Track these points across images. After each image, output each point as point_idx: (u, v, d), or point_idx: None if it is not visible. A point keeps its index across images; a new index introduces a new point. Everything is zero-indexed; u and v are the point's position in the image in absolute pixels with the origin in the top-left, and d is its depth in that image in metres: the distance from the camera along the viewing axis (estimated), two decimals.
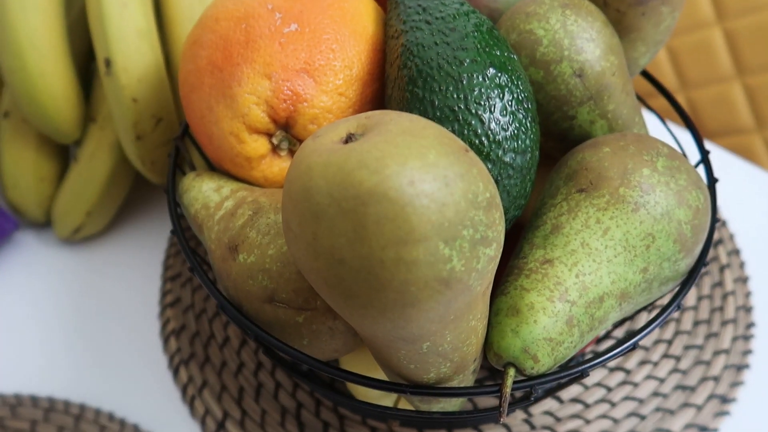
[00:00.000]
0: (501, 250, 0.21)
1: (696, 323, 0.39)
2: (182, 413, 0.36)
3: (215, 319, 0.39)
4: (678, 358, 0.37)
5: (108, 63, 0.36)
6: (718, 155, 0.49)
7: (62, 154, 0.43)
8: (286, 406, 0.35)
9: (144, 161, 0.39)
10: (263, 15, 0.29)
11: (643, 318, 0.39)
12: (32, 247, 0.43)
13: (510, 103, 0.25)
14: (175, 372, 0.37)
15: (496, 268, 0.21)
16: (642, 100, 0.37)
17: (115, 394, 0.37)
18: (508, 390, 0.23)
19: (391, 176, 0.18)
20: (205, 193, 0.30)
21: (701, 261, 0.28)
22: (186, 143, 0.41)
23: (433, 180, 0.19)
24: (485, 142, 0.25)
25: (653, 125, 0.51)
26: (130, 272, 0.42)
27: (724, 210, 0.45)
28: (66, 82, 0.39)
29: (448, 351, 0.22)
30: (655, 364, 0.37)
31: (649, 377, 0.36)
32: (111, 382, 0.37)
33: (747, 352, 0.37)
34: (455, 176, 0.19)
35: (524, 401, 0.27)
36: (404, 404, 0.32)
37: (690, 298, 0.40)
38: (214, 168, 0.37)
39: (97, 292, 0.41)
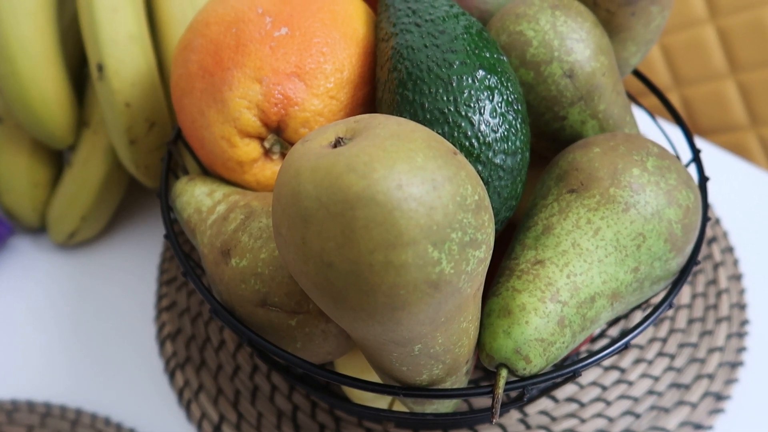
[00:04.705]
0: (491, 251, 0.21)
1: (690, 321, 0.39)
2: (178, 417, 0.36)
3: (211, 323, 0.39)
4: (673, 356, 0.37)
5: (100, 68, 0.36)
6: (712, 153, 0.49)
7: (56, 159, 0.43)
8: (282, 409, 0.36)
9: (138, 165, 0.39)
10: (253, 19, 0.29)
11: (637, 317, 0.39)
12: (27, 253, 0.43)
13: (500, 104, 0.25)
14: (171, 376, 0.37)
15: (486, 269, 0.21)
16: (633, 98, 0.37)
17: (112, 399, 0.37)
18: (500, 391, 0.23)
19: (379, 180, 0.18)
20: (197, 197, 0.30)
21: (693, 260, 0.28)
22: (179, 147, 0.41)
23: (421, 183, 0.19)
24: (475, 144, 0.25)
25: (645, 123, 0.51)
26: (126, 276, 0.42)
27: (718, 207, 0.45)
28: (59, 88, 0.39)
29: (439, 353, 0.23)
30: (650, 362, 0.37)
31: (643, 376, 0.36)
32: (107, 386, 0.37)
33: (741, 350, 0.37)
34: (443, 179, 0.19)
35: (518, 401, 0.27)
36: (399, 406, 0.32)
37: (684, 296, 0.40)
38: (207, 172, 0.37)
39: (92, 296, 0.41)
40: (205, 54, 0.29)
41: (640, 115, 0.52)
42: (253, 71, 0.28)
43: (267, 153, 0.30)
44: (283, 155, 0.30)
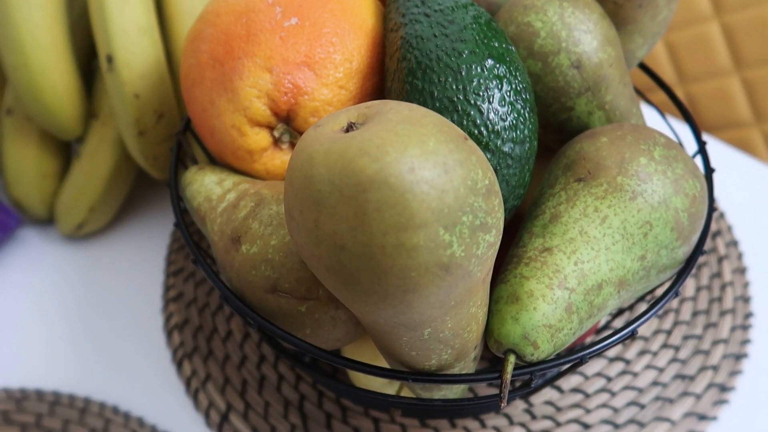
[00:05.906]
0: (500, 236, 0.21)
1: (695, 313, 0.39)
2: (186, 406, 0.36)
3: (218, 313, 0.39)
4: (677, 348, 0.37)
5: (110, 59, 0.36)
6: (717, 148, 0.49)
7: (65, 151, 0.44)
8: (289, 398, 0.36)
9: (146, 157, 0.39)
10: (264, 9, 0.29)
11: (642, 308, 0.39)
12: (35, 244, 0.44)
13: (508, 93, 0.26)
14: (179, 365, 0.37)
15: (495, 254, 0.22)
16: (641, 94, 0.37)
17: (120, 388, 0.37)
18: (508, 376, 0.24)
19: (392, 163, 0.19)
20: (207, 186, 0.30)
21: (699, 249, 0.28)
22: (188, 138, 0.41)
23: (432, 167, 0.19)
24: (484, 132, 0.25)
25: (652, 119, 0.51)
26: (133, 268, 0.43)
27: (723, 202, 0.45)
28: (68, 79, 0.39)
29: (449, 337, 0.23)
30: (655, 353, 0.37)
31: (648, 367, 0.37)
32: (115, 375, 0.37)
33: (745, 342, 0.38)
34: (454, 163, 0.19)
35: (524, 389, 0.27)
36: (406, 393, 0.32)
37: (689, 288, 0.40)
38: (216, 162, 0.37)
39: (100, 287, 0.41)
40: (215, 44, 0.29)
41: (647, 111, 0.52)
42: (264, 61, 0.28)
43: (276, 142, 0.30)
44: (292, 144, 0.30)
